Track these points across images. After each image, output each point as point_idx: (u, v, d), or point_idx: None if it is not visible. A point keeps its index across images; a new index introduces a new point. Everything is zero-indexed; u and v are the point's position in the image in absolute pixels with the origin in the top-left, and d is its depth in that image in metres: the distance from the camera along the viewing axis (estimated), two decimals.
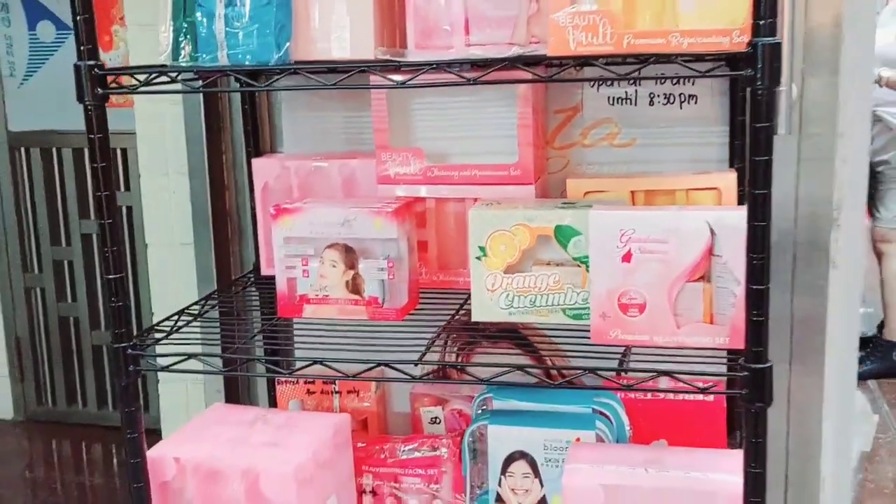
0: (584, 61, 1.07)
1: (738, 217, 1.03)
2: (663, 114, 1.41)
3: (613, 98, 1.43)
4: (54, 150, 3.14)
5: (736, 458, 1.07)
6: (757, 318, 1.01)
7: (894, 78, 3.19)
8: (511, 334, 1.44)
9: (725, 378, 1.24)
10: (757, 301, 1.00)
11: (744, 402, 1.02)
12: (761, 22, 0.96)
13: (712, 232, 1.08)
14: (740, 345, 1.04)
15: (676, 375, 1.07)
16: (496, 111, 1.39)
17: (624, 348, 1.17)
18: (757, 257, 1.00)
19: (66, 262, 3.21)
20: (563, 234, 1.19)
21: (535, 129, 1.35)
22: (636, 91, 1.42)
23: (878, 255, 3.52)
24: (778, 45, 0.96)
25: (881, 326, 3.58)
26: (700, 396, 1.33)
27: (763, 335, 1.01)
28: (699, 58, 1.03)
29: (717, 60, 1.04)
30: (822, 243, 1.42)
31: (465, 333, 1.44)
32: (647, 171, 1.40)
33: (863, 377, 3.48)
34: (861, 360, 3.51)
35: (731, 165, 1.38)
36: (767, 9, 0.95)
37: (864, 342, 3.63)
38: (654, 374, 1.07)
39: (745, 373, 1.01)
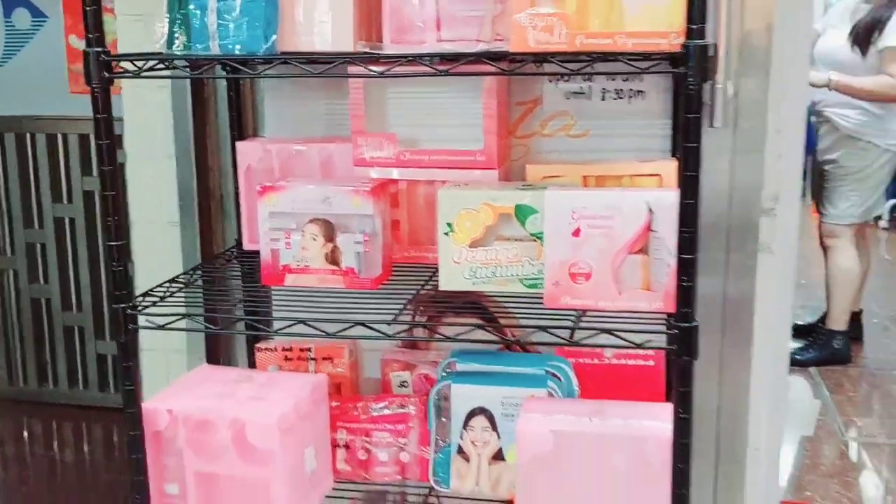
0: (541, 58, 1.21)
1: (672, 197, 1.18)
2: (614, 108, 1.56)
3: (569, 92, 1.58)
4: (28, 135, 3.21)
5: (668, 410, 1.22)
6: (686, 283, 1.16)
7: (843, 81, 3.35)
8: (475, 306, 1.58)
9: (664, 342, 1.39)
10: (686, 269, 1.16)
11: (673, 357, 1.17)
12: (693, 27, 1.11)
13: (650, 210, 1.23)
14: (672, 308, 1.19)
15: (616, 333, 1.21)
16: (464, 102, 1.53)
17: (576, 316, 1.31)
18: (687, 231, 1.15)
19: (38, 245, 3.29)
20: (522, 213, 1.33)
21: (498, 120, 1.49)
22: (590, 87, 1.57)
23: (825, 250, 3.70)
24: (706, 47, 1.11)
25: (825, 317, 3.77)
26: (641, 362, 1.49)
27: (691, 299, 1.16)
28: (646, 57, 1.18)
29: (660, 59, 1.19)
30: (753, 228, 1.58)
31: (434, 305, 1.58)
32: (599, 158, 1.54)
33: (806, 364, 3.68)
34: (805, 349, 3.72)
35: (673, 154, 1.53)
36: (698, 16, 1.10)
37: (809, 331, 3.83)
38: (597, 331, 1.21)
39: (675, 331, 1.16)
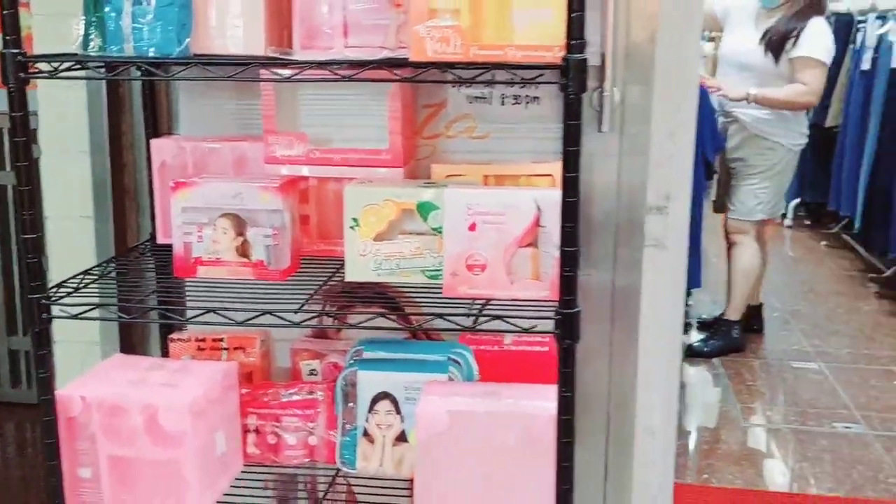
0: (438, 66, 1.31)
1: (557, 195, 1.29)
2: (512, 112, 1.67)
3: (472, 97, 1.68)
4: None
5: (556, 390, 1.33)
6: (568, 273, 1.27)
7: (762, 95, 3.51)
8: (383, 297, 1.66)
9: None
10: (568, 260, 1.27)
11: (557, 339, 1.28)
12: (572, 42, 1.22)
13: (538, 208, 1.34)
14: (557, 296, 1.30)
15: (507, 319, 1.32)
16: (371, 104, 1.61)
17: (480, 305, 1.41)
18: (568, 226, 1.26)
19: None
20: (423, 209, 1.42)
21: (403, 121, 1.58)
22: (491, 92, 1.68)
23: (730, 245, 3.89)
24: (585, 61, 1.22)
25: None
26: (537, 348, 1.60)
27: (573, 287, 1.27)
28: (533, 68, 1.29)
29: (546, 70, 1.30)
30: (639, 224, 1.71)
31: (343, 296, 1.66)
32: (499, 159, 1.65)
33: (709, 356, 3.88)
34: (706, 340, 3.92)
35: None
36: (577, 32, 1.21)
37: (711, 323, 4.04)
38: (490, 318, 1.32)
39: (559, 316, 1.28)
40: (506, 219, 1.35)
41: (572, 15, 1.21)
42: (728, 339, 3.88)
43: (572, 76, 1.22)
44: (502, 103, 1.68)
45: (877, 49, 4.75)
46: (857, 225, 4.90)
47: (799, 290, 4.94)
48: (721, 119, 3.80)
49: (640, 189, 1.70)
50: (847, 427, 3.24)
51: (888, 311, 4.54)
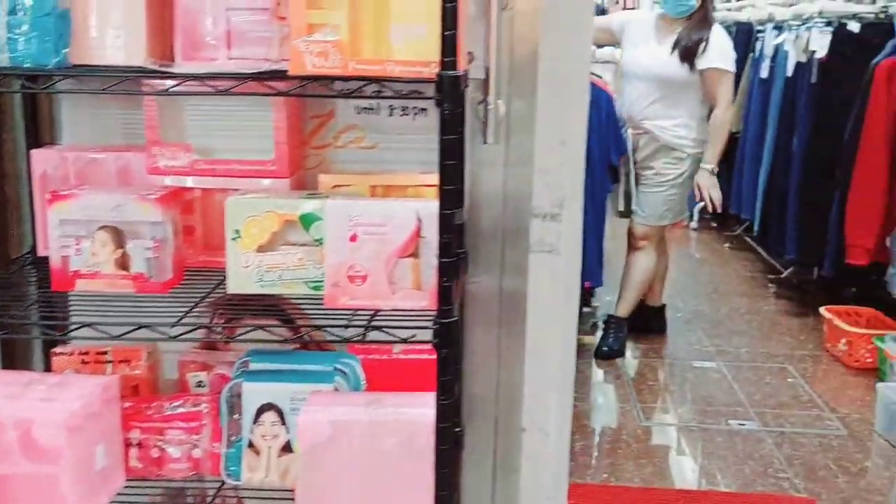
0: (317, 80, 1.32)
1: (436, 207, 1.32)
2: (400, 123, 1.69)
3: (360, 108, 1.70)
4: None
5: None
6: (446, 283, 1.30)
7: (715, 159, 3.75)
8: (273, 309, 1.67)
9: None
10: (446, 271, 1.30)
11: (434, 348, 1.31)
12: (446, 59, 1.25)
13: (419, 219, 1.37)
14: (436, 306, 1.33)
15: (385, 329, 1.34)
16: (257, 114, 1.61)
17: (367, 318, 1.43)
18: (446, 237, 1.29)
19: None
20: (306, 220, 1.43)
21: (290, 131, 1.59)
22: (379, 103, 1.69)
23: (633, 249, 4.01)
24: (458, 77, 1.26)
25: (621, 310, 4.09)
26: (425, 356, 1.62)
27: (450, 297, 1.30)
28: (410, 82, 1.31)
29: (424, 85, 1.33)
30: (525, 231, 1.75)
31: (232, 308, 1.65)
32: (387, 169, 1.67)
33: (609, 356, 3.99)
34: (603, 340, 4.03)
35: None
36: (450, 50, 1.24)
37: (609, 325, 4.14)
38: (370, 329, 1.34)
39: (437, 326, 1.31)
40: (387, 230, 1.37)
41: (446, 33, 1.24)
42: (621, 337, 4.01)
43: (446, 92, 1.25)
44: (390, 114, 1.70)
45: (774, 58, 4.95)
46: (756, 228, 5.10)
47: (703, 291, 5.11)
48: (631, 131, 3.92)
49: (527, 197, 1.74)
50: (741, 424, 3.37)
51: (785, 310, 4.73)
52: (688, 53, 3.67)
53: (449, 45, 1.24)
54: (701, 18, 3.71)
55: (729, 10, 6.31)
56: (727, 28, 6.01)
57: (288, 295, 1.47)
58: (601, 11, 7.68)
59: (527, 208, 1.77)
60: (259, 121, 1.61)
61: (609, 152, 3.94)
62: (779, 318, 4.61)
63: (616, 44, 4.06)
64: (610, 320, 4.07)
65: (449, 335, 1.30)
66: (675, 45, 3.68)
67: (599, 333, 4.12)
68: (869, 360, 3.81)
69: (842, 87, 4.10)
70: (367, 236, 1.37)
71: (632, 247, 4.03)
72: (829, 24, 4.37)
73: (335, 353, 1.61)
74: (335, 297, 1.38)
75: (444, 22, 1.24)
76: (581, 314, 4.22)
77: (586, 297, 4.16)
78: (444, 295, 1.30)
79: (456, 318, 1.31)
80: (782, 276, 5.08)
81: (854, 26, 4.24)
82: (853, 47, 4.15)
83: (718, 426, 3.36)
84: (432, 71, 1.28)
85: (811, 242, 4.38)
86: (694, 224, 6.42)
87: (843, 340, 3.91)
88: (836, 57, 4.23)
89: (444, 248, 1.29)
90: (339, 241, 1.38)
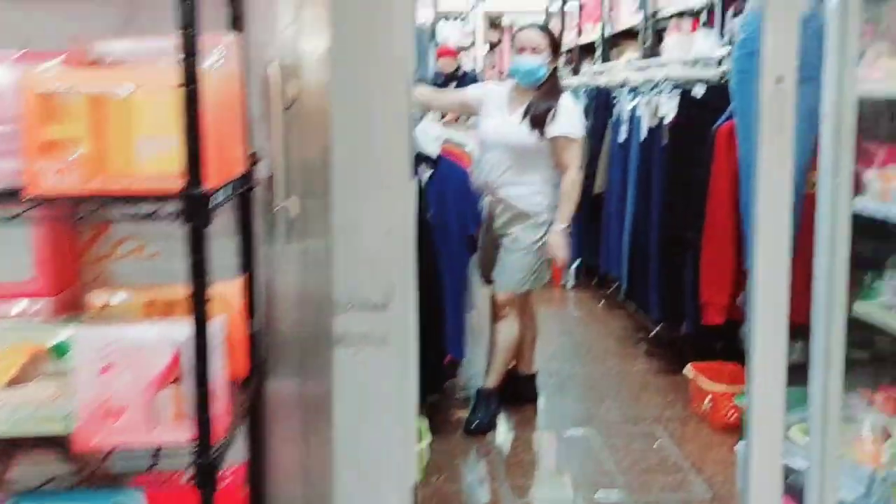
0: (54, 201, 1.21)
1: (189, 330, 1.21)
2: (183, 230, 1.58)
3: (138, 216, 1.58)
4: None
5: None
6: (203, 418, 1.19)
7: (567, 220, 3.75)
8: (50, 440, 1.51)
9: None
10: (203, 404, 1.19)
11: (197, 489, 1.19)
12: (188, 177, 1.16)
13: (178, 344, 1.25)
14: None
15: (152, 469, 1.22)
16: (13, 231, 1.47)
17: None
18: (201, 365, 1.18)
19: None
20: (60, 350, 1.31)
21: (54, 247, 1.46)
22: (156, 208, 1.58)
23: (496, 318, 3.96)
24: (204, 195, 1.17)
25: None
26: None
27: (207, 430, 1.19)
28: (160, 198, 1.21)
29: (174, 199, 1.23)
30: (327, 331, 1.66)
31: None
32: (171, 281, 1.55)
33: (479, 431, 3.89)
34: (473, 412, 3.95)
35: (245, 271, 1.58)
36: (194, 167, 1.15)
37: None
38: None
39: (195, 465, 1.19)
40: (143, 357, 1.26)
41: (189, 148, 1.15)
42: (491, 408, 3.94)
43: (191, 210, 1.16)
44: (174, 220, 1.59)
45: (630, 122, 5.07)
46: (624, 287, 5.15)
47: (577, 352, 5.11)
48: (489, 199, 3.91)
49: (324, 295, 1.66)
50: (606, 496, 3.32)
51: (655, 368, 4.76)
52: (537, 121, 3.73)
53: (192, 162, 1.15)
54: (550, 88, 3.78)
55: (594, 74, 6.48)
56: (589, 93, 6.21)
57: (40, 433, 1.32)
58: (473, 79, 7.84)
59: (329, 307, 1.68)
60: (15, 238, 1.48)
61: (467, 224, 3.91)
62: (649, 378, 4.63)
63: (474, 115, 4.09)
64: (479, 393, 3.99)
65: (208, 475, 1.18)
66: (525, 113, 3.73)
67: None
68: (734, 417, 3.84)
69: (691, 150, 4.19)
70: (121, 367, 1.25)
71: (495, 315, 3.98)
72: (676, 87, 4.49)
73: (115, 489, 1.46)
74: (87, 436, 1.25)
75: (187, 137, 1.15)
76: (445, 389, 4.15)
77: (452, 369, 4.07)
78: (203, 430, 1.19)
79: (215, 456, 1.19)
80: (650, 334, 5.13)
81: (699, 90, 4.37)
82: (698, 111, 4.27)
83: (590, 499, 3.31)
84: (182, 186, 1.19)
85: (672, 301, 4.44)
86: (571, 282, 6.48)
87: (708, 398, 3.94)
88: (683, 121, 4.34)
89: (200, 379, 1.18)
90: (90, 372, 1.25)
